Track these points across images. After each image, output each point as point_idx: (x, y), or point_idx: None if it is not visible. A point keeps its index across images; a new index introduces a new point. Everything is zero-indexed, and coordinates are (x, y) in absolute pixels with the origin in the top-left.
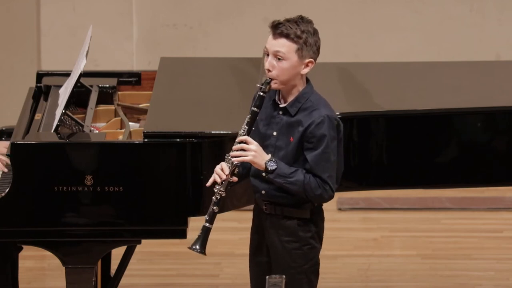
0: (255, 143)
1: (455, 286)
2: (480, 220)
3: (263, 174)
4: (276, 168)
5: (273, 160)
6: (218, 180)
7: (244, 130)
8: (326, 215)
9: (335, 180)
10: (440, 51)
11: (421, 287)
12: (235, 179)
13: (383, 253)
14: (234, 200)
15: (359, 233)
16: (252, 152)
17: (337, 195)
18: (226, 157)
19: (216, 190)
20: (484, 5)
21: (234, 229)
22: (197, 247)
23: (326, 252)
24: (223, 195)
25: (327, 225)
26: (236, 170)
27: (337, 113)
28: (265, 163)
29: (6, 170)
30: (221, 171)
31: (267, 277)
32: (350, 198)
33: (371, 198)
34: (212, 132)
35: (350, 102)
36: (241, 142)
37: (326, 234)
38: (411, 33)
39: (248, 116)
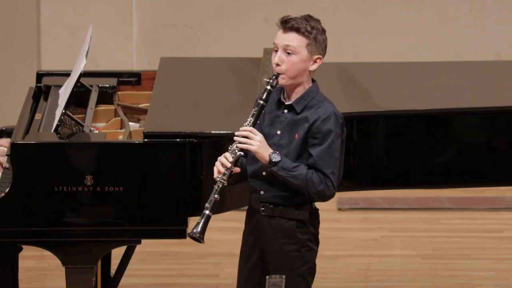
0: (260, 134)
1: (455, 286)
2: (480, 220)
3: (268, 165)
4: (280, 161)
5: (277, 152)
6: (222, 170)
7: (249, 122)
8: (326, 215)
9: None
10: (440, 51)
11: (421, 287)
12: (237, 169)
13: (383, 253)
14: (234, 200)
15: (359, 233)
16: (257, 142)
17: (337, 195)
18: (230, 147)
19: (218, 179)
20: (484, 5)
21: (234, 229)
22: (196, 232)
23: (326, 252)
24: (225, 184)
25: (327, 225)
26: (239, 161)
27: None
28: (269, 155)
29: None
30: (225, 159)
31: (267, 277)
32: (350, 198)
33: (371, 198)
34: (212, 132)
35: (350, 102)
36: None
37: (326, 234)
38: (411, 33)
39: (254, 109)
